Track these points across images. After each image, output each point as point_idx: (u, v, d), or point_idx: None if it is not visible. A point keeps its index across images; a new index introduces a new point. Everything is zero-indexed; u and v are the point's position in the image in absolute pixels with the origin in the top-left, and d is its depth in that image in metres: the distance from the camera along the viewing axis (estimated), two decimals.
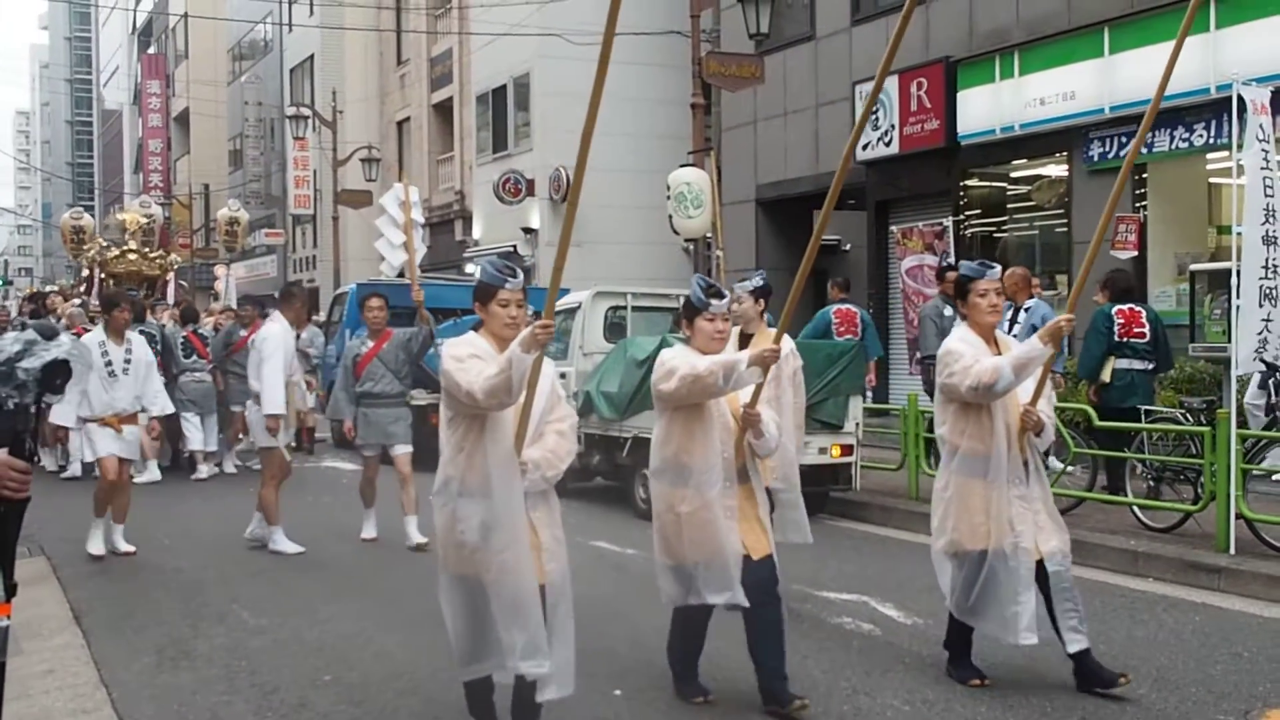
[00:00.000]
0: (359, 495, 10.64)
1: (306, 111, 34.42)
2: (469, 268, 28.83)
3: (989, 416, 5.77)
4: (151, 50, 59.95)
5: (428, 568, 9.18)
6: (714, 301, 5.46)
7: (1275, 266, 8.70)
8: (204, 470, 14.68)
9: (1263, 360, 9.04)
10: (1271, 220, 8.66)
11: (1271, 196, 8.67)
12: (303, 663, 6.65)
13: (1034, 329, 11.06)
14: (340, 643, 7.06)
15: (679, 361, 5.37)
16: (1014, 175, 17.54)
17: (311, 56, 40.61)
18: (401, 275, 11.60)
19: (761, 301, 7.37)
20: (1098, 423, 10.33)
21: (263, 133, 43.37)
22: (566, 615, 4.97)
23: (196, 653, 6.90)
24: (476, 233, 30.34)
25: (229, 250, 25.89)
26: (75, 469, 14.40)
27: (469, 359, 4.76)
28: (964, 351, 5.76)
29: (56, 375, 13.16)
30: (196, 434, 14.67)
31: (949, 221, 17.06)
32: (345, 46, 38.29)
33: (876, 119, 18.19)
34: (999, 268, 5.99)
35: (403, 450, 10.30)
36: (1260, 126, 8.71)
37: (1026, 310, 11.34)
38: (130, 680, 6.40)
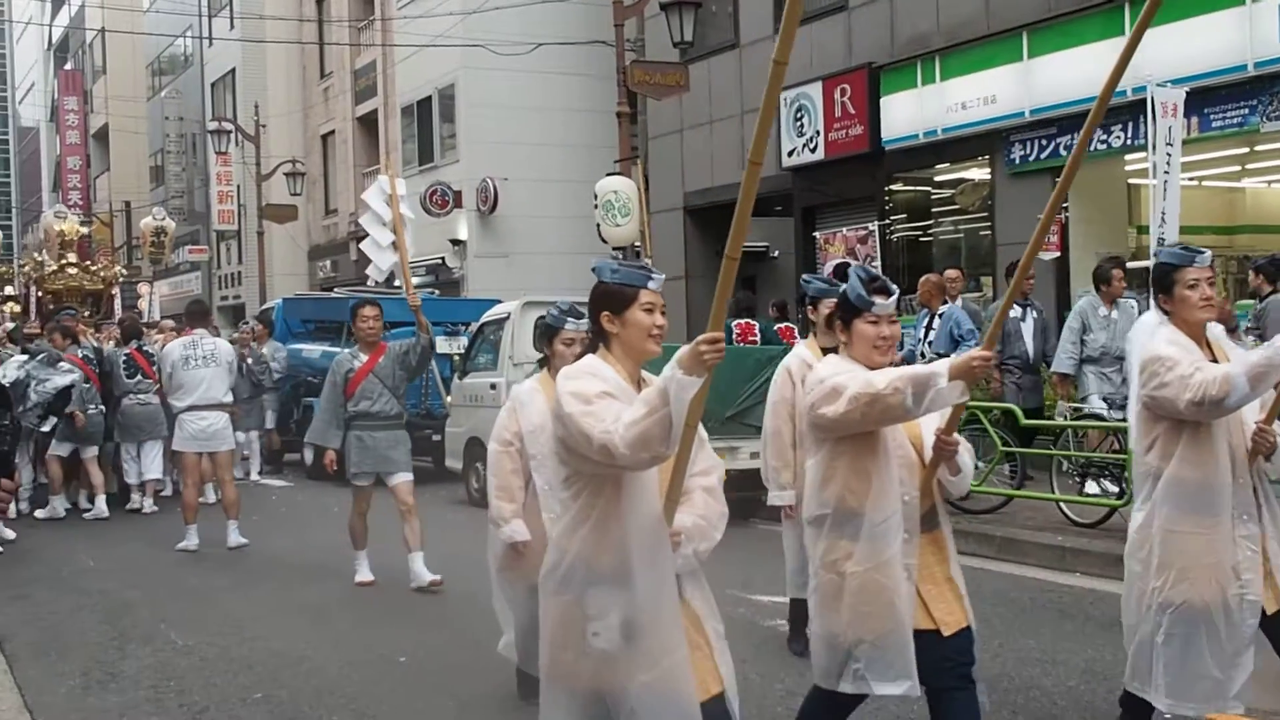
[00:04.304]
0: (348, 533, 9.22)
1: (229, 126, 34.02)
2: (396, 281, 28.59)
3: (1209, 437, 4.58)
4: (68, 66, 58.94)
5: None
6: (879, 300, 4.17)
7: None
8: (138, 500, 13.38)
9: None
10: (1164, 223, 8.84)
11: (1168, 199, 8.85)
12: (232, 681, 6.56)
13: (950, 336, 11.19)
14: (270, 660, 6.97)
15: (846, 377, 4.04)
16: (938, 179, 17.74)
17: (233, 70, 40.17)
18: (392, 279, 10.56)
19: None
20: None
21: (184, 148, 42.78)
22: None
23: (123, 674, 6.78)
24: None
25: (155, 263, 25.28)
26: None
27: (599, 399, 3.43)
28: (1179, 357, 4.55)
29: (62, 400, 13.04)
30: (133, 465, 13.42)
31: (875, 226, 17.22)
32: (267, 60, 37.91)
33: (801, 125, 18.31)
34: (1209, 252, 4.85)
35: (404, 478, 8.92)
36: (1169, 129, 8.89)
37: (941, 316, 11.33)
38: (56, 704, 6.28)
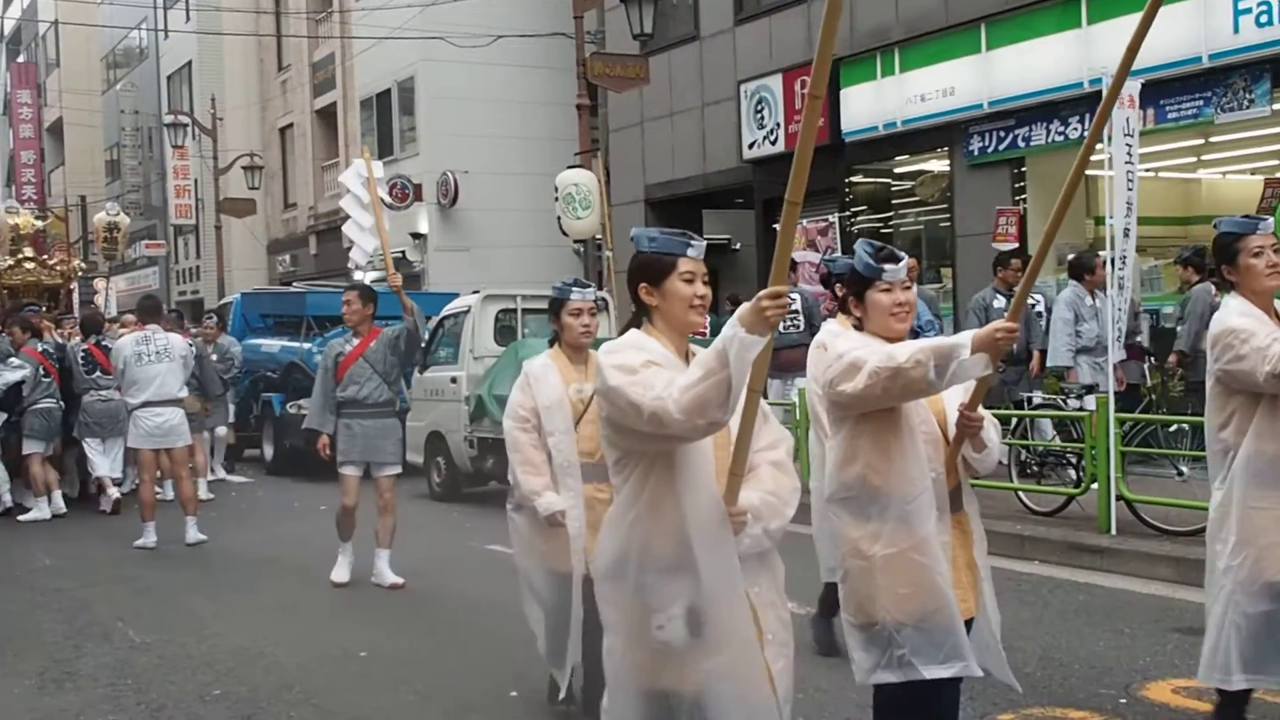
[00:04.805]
0: (334, 526, 8.93)
1: (185, 119, 33.71)
2: (357, 275, 28.49)
3: None
4: (21, 59, 58.23)
5: (321, 577, 9.10)
6: (888, 266, 4.00)
7: (1124, 257, 9.00)
8: (113, 493, 12.90)
9: (1139, 345, 9.34)
10: (1129, 213, 8.93)
11: (1131, 190, 8.94)
12: (191, 678, 6.51)
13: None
14: (229, 657, 6.92)
15: (865, 351, 3.80)
16: (898, 171, 17.81)
17: (189, 63, 39.81)
18: (372, 263, 10.17)
19: None
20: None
21: (140, 142, 42.35)
22: None
23: (81, 673, 6.71)
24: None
25: (108, 259, 24.92)
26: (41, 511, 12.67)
27: (644, 368, 3.25)
28: (1253, 328, 4.39)
29: (13, 396, 12.79)
30: (101, 459, 12.90)
31: (835, 218, 17.27)
32: (224, 52, 37.58)
33: (762, 117, 18.33)
34: (1270, 219, 4.73)
35: (389, 472, 8.77)
36: (1126, 120, 8.97)
37: None
38: (11, 704, 6.21)
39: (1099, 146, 12.27)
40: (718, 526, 3.30)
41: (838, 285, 6.35)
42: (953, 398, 4.01)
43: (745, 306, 3.02)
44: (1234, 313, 4.51)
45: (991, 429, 4.00)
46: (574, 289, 5.46)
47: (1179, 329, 11.02)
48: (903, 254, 4.09)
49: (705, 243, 3.53)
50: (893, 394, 3.72)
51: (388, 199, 9.25)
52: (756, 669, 3.35)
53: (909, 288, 4.07)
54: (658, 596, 3.30)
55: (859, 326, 4.14)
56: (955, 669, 3.83)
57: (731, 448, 3.33)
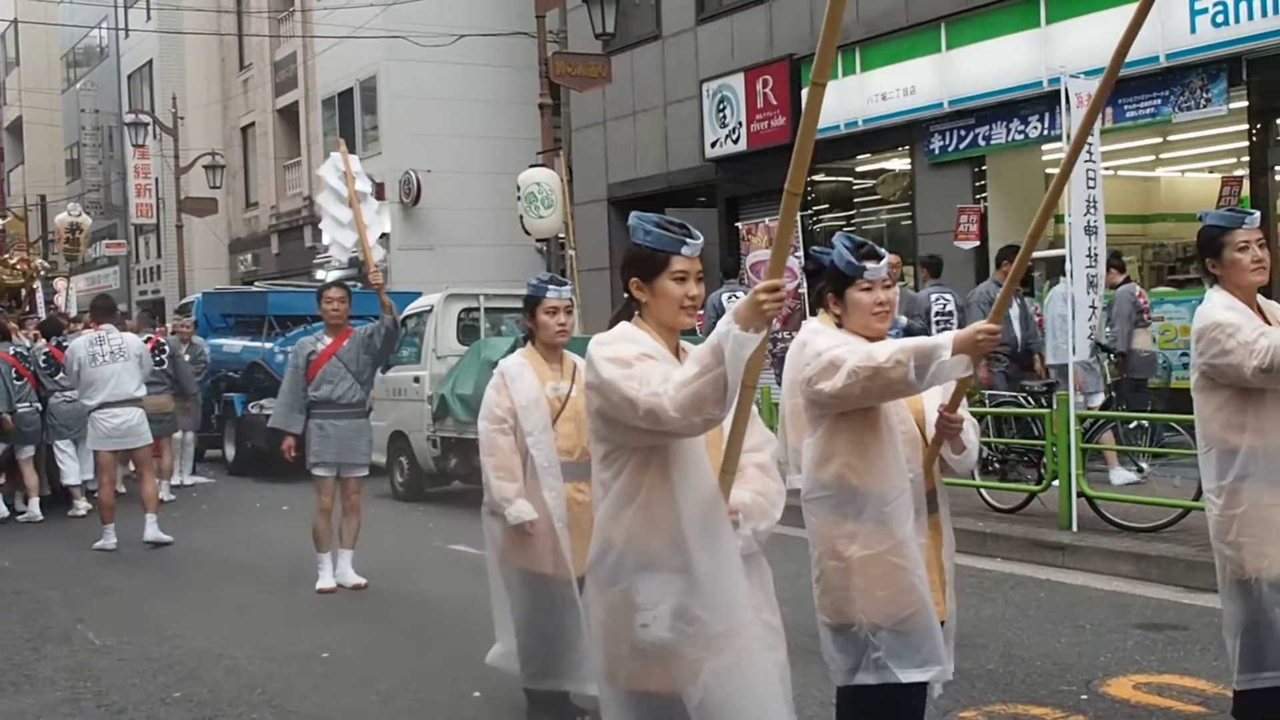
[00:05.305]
0: (311, 534, 8.67)
1: (146, 118, 33.43)
2: (319, 274, 28.37)
3: (1275, 404, 4.38)
4: None
5: (282, 578, 9.06)
6: (870, 264, 3.94)
7: (1094, 254, 9.08)
8: (82, 506, 12.65)
9: (1098, 343, 9.41)
10: (1093, 211, 9.01)
11: (1093, 188, 9.02)
12: (151, 681, 6.46)
13: None
14: (191, 658, 6.88)
15: (844, 350, 3.75)
16: (859, 170, 17.89)
17: (150, 62, 39.51)
18: (355, 260, 9.87)
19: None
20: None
21: (101, 141, 41.98)
22: None
23: (39, 675, 6.66)
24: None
25: (70, 260, 24.70)
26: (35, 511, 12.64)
27: (639, 361, 3.17)
28: (1239, 322, 4.32)
29: None
30: (72, 464, 12.76)
31: (796, 216, 17.33)
32: (185, 51, 37.31)
33: (724, 116, 18.35)
34: (1257, 213, 4.64)
35: (359, 473, 8.68)
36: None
37: None
38: None
39: (1058, 146, 12.40)
40: (715, 519, 3.21)
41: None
42: (932, 398, 3.97)
43: (741, 302, 2.97)
44: (1219, 307, 4.42)
45: (971, 430, 3.98)
46: (550, 286, 5.37)
47: (1107, 331, 11.12)
48: (884, 251, 4.03)
49: (702, 240, 3.43)
50: (872, 394, 3.68)
51: (369, 190, 9.10)
52: (762, 667, 3.28)
53: (890, 286, 4.00)
54: (645, 594, 3.21)
55: (839, 324, 4.08)
56: (932, 673, 3.81)
57: (723, 445, 3.26)
